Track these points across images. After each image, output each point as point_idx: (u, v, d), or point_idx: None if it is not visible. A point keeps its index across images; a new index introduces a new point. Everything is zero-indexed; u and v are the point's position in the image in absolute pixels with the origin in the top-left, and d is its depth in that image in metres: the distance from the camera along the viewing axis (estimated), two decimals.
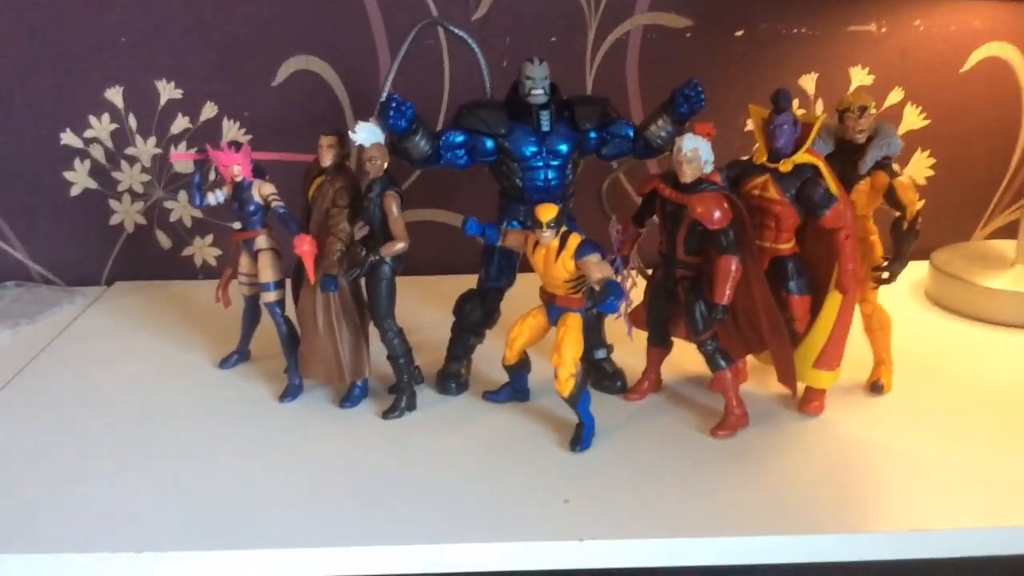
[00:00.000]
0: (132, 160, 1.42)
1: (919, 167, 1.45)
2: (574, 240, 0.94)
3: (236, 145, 1.05)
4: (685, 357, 1.08)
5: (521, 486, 0.91)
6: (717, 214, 0.93)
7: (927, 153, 1.44)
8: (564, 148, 1.03)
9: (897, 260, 1.02)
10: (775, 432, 1.00)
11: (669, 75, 1.04)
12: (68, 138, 1.41)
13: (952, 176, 1.46)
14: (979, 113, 1.43)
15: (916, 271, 1.36)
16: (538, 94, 1.01)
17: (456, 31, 1.09)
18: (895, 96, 1.41)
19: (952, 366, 1.14)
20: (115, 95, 1.39)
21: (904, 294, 1.34)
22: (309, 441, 1.01)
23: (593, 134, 1.04)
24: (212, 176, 1.12)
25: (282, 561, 0.83)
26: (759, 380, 1.09)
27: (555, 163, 1.03)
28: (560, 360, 0.96)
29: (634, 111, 1.39)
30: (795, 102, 1.40)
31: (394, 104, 0.97)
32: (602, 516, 0.86)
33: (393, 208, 0.98)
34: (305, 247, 1.00)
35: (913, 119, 1.42)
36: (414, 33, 1.06)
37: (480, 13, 1.36)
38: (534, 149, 1.02)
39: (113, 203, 1.44)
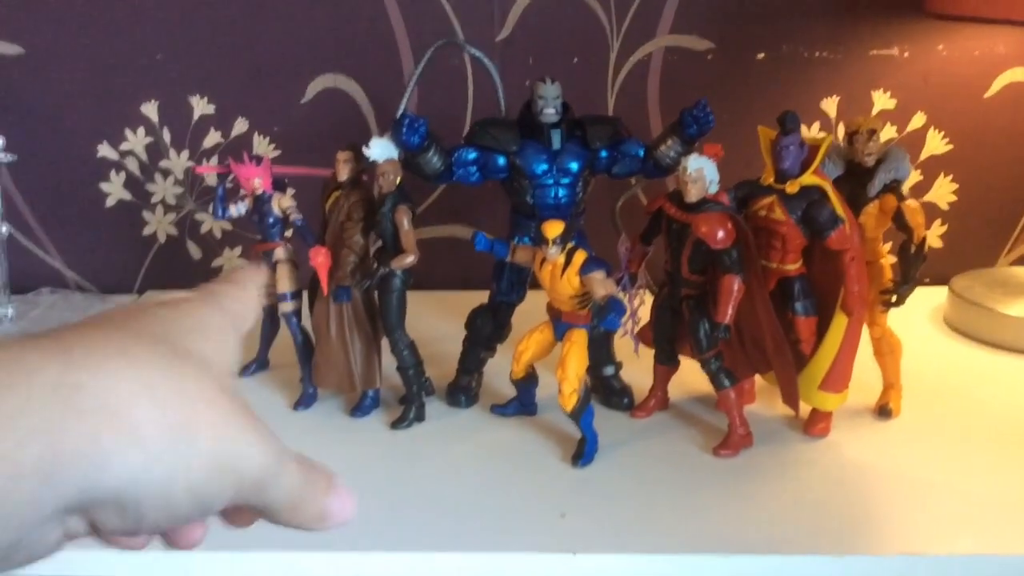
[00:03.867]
0: (165, 173, 1.47)
1: (942, 192, 1.44)
2: (580, 256, 0.96)
3: (257, 159, 1.08)
4: (694, 376, 1.08)
5: (520, 498, 0.93)
6: (720, 234, 0.94)
7: (950, 178, 1.44)
8: (575, 166, 1.05)
9: (905, 284, 1.01)
10: (779, 453, 1.01)
11: (690, 97, 1.05)
12: (105, 150, 1.45)
13: (975, 201, 1.45)
14: (1003, 138, 1.42)
15: (936, 296, 1.36)
16: (550, 113, 1.03)
17: (472, 51, 1.12)
18: (918, 120, 1.41)
19: (965, 392, 1.13)
20: (150, 109, 1.43)
21: (923, 320, 1.33)
22: (319, 448, 1.01)
23: (604, 153, 1.06)
24: (240, 190, 1.16)
25: (286, 564, 0.85)
26: (767, 400, 1.10)
27: (565, 181, 1.05)
28: (564, 375, 0.97)
29: (655, 132, 1.40)
30: (816, 125, 1.41)
31: (407, 121, 0.99)
32: (597, 530, 0.87)
33: (404, 222, 1.01)
34: (320, 259, 1.02)
35: (936, 144, 1.42)
36: (430, 53, 1.09)
37: (504, 34, 1.39)
38: (545, 167, 1.04)
39: (147, 214, 1.49)
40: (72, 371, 0.30)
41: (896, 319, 1.07)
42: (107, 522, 0.32)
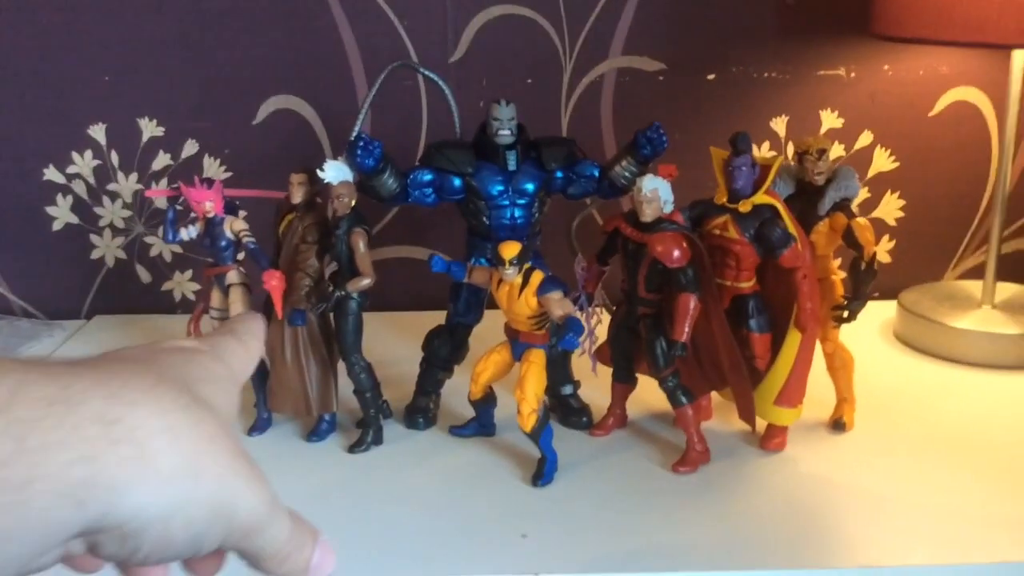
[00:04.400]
0: (113, 196, 1.44)
1: (889, 208, 1.47)
2: (537, 277, 0.96)
3: (208, 182, 1.07)
4: (651, 394, 1.09)
5: (481, 520, 0.92)
6: (676, 253, 0.95)
7: (897, 195, 1.47)
8: (530, 187, 1.05)
9: (856, 299, 1.03)
10: (736, 468, 1.02)
11: (642, 117, 1.07)
12: (51, 174, 1.43)
13: (922, 218, 1.48)
14: (949, 156, 1.45)
15: (885, 311, 1.38)
16: (505, 134, 1.03)
17: (427, 73, 1.12)
18: (865, 139, 1.44)
19: (916, 405, 1.15)
20: (98, 132, 1.41)
21: (873, 334, 1.36)
22: (275, 475, 1.00)
23: (559, 174, 1.06)
24: (191, 213, 1.14)
25: None
26: (723, 416, 1.10)
27: (521, 202, 1.05)
28: (522, 395, 0.97)
29: (608, 152, 1.41)
30: (766, 144, 1.43)
31: (362, 143, 0.99)
32: (559, 551, 0.87)
33: (360, 245, 1.00)
34: (273, 282, 1.01)
35: (883, 161, 1.45)
36: (384, 75, 1.08)
37: (457, 55, 1.39)
38: (501, 188, 1.04)
39: (94, 238, 1.46)
40: (114, 405, 0.33)
41: (847, 334, 1.08)
42: (106, 547, 0.34)
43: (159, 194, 1.16)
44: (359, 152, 0.98)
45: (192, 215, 1.10)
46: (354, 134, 1.06)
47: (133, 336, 1.40)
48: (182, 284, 1.49)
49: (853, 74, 1.41)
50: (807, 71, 1.41)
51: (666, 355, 0.99)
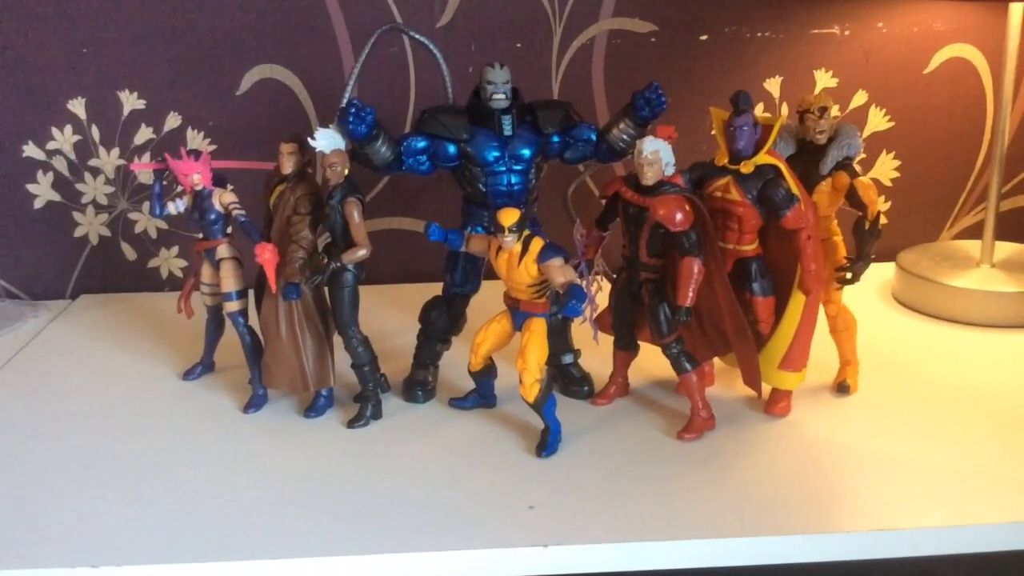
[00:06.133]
0: (95, 172, 1.41)
1: (884, 169, 1.46)
2: (536, 244, 0.94)
3: (195, 153, 1.04)
4: (652, 361, 1.07)
5: (486, 493, 0.91)
6: (679, 216, 0.93)
7: (892, 155, 1.45)
8: (527, 152, 1.02)
9: (860, 260, 1.01)
10: (742, 434, 1.00)
11: (634, 80, 1.05)
12: (30, 150, 1.39)
13: (918, 177, 1.47)
14: (944, 114, 1.44)
15: (883, 272, 1.37)
16: (499, 99, 1.00)
17: (417, 37, 1.09)
18: (859, 98, 1.42)
19: (918, 366, 1.14)
20: (77, 106, 1.37)
21: (871, 295, 1.35)
22: (273, 452, 1.00)
23: (556, 138, 1.04)
24: (177, 187, 1.11)
25: (245, 573, 0.82)
26: (726, 382, 1.09)
27: (518, 168, 1.02)
28: (524, 365, 0.95)
29: (600, 116, 1.39)
30: (760, 105, 1.41)
31: (354, 109, 0.96)
32: (567, 521, 0.86)
33: (354, 215, 0.98)
34: (266, 255, 0.98)
35: (878, 121, 1.43)
36: (374, 39, 1.05)
37: (444, 20, 1.36)
38: (497, 154, 1.02)
39: (77, 215, 1.43)
40: None
41: (846, 296, 1.07)
42: None
43: (144, 167, 1.13)
44: (351, 119, 0.96)
45: (179, 188, 1.07)
46: (345, 100, 1.03)
47: (120, 314, 1.37)
48: (169, 261, 1.46)
49: (847, 32, 1.39)
50: (800, 30, 1.39)
51: (670, 321, 0.97)
